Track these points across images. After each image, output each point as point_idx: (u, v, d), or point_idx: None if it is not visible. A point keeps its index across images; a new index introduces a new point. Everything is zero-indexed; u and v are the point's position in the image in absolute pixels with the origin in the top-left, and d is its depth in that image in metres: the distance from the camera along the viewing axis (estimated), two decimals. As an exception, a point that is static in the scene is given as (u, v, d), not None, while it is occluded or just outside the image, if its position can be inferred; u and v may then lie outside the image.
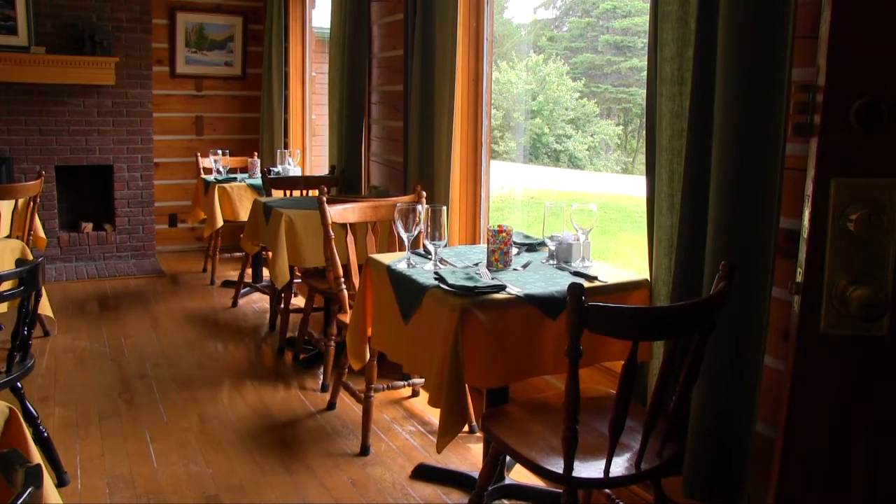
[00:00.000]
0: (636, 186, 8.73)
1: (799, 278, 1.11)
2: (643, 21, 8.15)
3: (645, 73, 2.32)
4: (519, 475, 2.67)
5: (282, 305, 4.19)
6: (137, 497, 2.59)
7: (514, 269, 2.45)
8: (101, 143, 6.09)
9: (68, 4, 5.81)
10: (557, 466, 1.82)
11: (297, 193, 4.61)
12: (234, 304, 5.03)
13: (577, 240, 2.51)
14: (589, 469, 1.84)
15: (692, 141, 2.05)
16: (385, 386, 3.14)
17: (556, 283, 2.30)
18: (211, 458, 2.88)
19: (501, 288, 2.19)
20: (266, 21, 6.27)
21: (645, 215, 2.36)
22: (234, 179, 5.21)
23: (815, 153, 1.08)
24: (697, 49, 2.01)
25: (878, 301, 1.06)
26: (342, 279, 3.02)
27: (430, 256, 2.47)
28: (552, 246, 2.53)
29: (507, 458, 2.49)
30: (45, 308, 3.47)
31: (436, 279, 2.24)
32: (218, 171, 5.40)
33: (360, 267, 2.87)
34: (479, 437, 3.01)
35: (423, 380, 3.09)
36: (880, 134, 1.05)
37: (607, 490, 2.32)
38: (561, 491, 1.88)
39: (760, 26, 1.83)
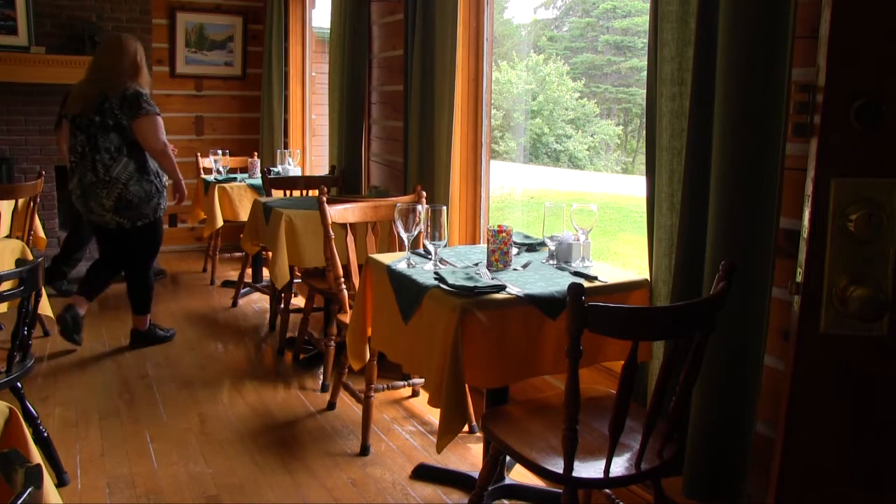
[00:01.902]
0: (636, 186, 8.74)
1: (799, 278, 1.11)
2: (643, 21, 8.15)
3: (645, 73, 2.32)
4: (519, 475, 2.67)
5: (282, 305, 4.19)
6: (137, 497, 2.59)
7: (514, 269, 2.45)
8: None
9: (68, 4, 5.81)
10: (557, 466, 1.82)
11: (297, 193, 4.61)
12: (234, 304, 5.03)
13: (577, 240, 2.51)
14: (589, 469, 1.84)
15: (692, 141, 2.05)
16: (385, 386, 3.14)
17: (556, 283, 2.30)
18: (211, 458, 2.88)
19: (501, 288, 2.19)
20: (266, 21, 6.27)
21: (645, 215, 2.36)
22: (234, 179, 5.21)
23: (815, 153, 1.08)
24: (697, 49, 2.01)
25: (878, 301, 1.06)
26: (342, 279, 3.02)
27: (430, 256, 2.47)
28: (552, 246, 2.53)
29: (507, 458, 2.49)
30: (45, 308, 3.47)
31: (436, 279, 2.24)
32: (218, 171, 5.40)
33: (360, 267, 2.88)
34: (479, 437, 3.01)
35: (423, 380, 3.09)
36: (880, 134, 1.05)
37: (607, 490, 2.32)
38: (561, 491, 1.88)
39: (760, 26, 1.83)
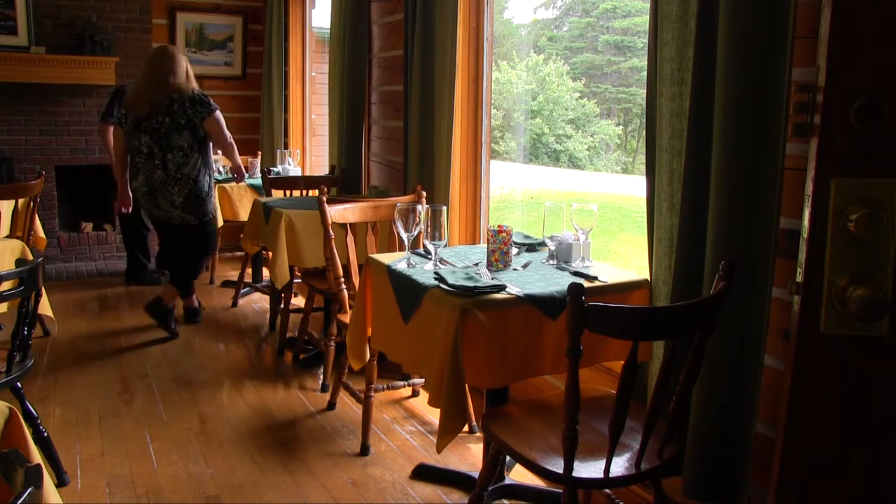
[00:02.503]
0: (636, 186, 8.74)
1: (799, 278, 1.11)
2: (643, 21, 8.16)
3: (645, 73, 2.32)
4: (519, 475, 2.67)
5: (282, 305, 4.19)
6: (137, 497, 2.59)
7: (514, 269, 2.45)
8: (102, 143, 6.08)
9: (68, 4, 5.81)
10: (557, 466, 1.82)
11: (297, 193, 4.61)
12: (234, 304, 5.03)
13: (577, 240, 2.51)
14: (589, 469, 1.84)
15: (692, 141, 2.05)
16: (385, 386, 3.14)
17: (556, 283, 2.30)
18: (211, 458, 2.88)
19: (501, 288, 2.19)
20: (266, 21, 6.27)
21: (645, 215, 2.36)
22: (235, 179, 5.21)
23: (815, 153, 1.08)
24: (697, 49, 2.01)
25: (878, 301, 1.06)
26: (342, 279, 3.02)
27: (430, 256, 2.47)
28: (552, 246, 2.53)
29: (507, 458, 2.49)
30: (45, 308, 3.47)
31: (436, 279, 2.24)
32: (218, 171, 5.39)
33: (360, 267, 2.88)
34: (479, 437, 3.01)
35: (423, 380, 3.09)
36: (880, 134, 1.05)
37: (607, 490, 2.32)
38: (561, 491, 1.88)
39: (760, 26, 1.83)
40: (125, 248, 5.69)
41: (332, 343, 3.51)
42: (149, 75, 4.16)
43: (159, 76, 4.10)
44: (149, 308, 4.34)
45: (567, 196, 9.17)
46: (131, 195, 4.40)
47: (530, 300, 2.17)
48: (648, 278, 2.38)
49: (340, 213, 3.04)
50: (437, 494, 2.64)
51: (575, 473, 1.79)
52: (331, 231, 3.00)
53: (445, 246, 2.48)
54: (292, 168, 5.16)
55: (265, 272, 5.18)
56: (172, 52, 4.21)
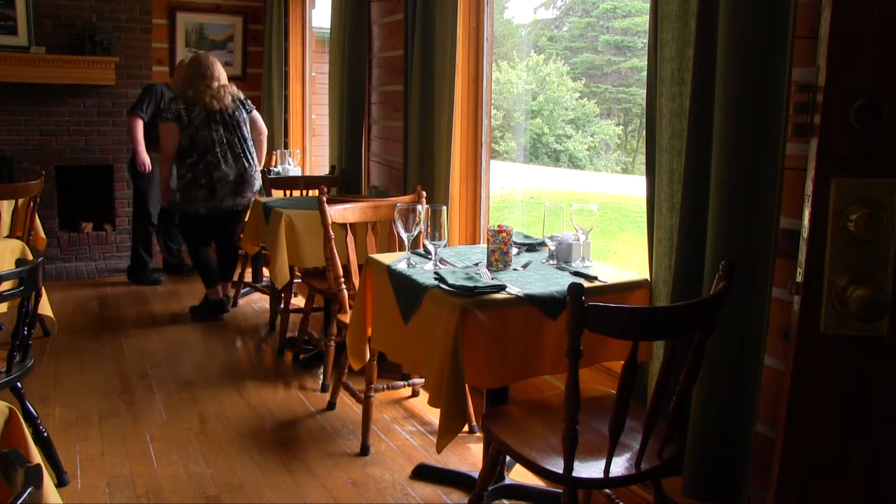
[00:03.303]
0: (636, 186, 8.74)
1: (799, 278, 1.11)
2: (643, 21, 8.15)
3: (645, 73, 2.32)
4: (519, 475, 2.67)
5: (282, 305, 4.20)
6: (137, 497, 2.59)
7: (514, 269, 2.45)
8: (101, 143, 6.08)
9: (68, 4, 5.81)
10: (557, 466, 1.82)
11: (297, 193, 4.61)
12: (234, 304, 5.03)
13: (577, 240, 2.51)
14: (589, 469, 1.84)
15: (692, 141, 2.05)
16: (385, 386, 3.14)
17: (556, 283, 2.29)
18: (211, 458, 2.88)
19: (501, 288, 2.19)
20: (266, 21, 6.27)
21: (645, 215, 2.36)
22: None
23: (815, 153, 1.07)
24: (697, 49, 2.01)
25: (878, 301, 1.06)
26: (342, 279, 3.02)
27: (430, 256, 2.47)
28: (552, 246, 2.53)
29: (507, 458, 2.49)
30: (45, 308, 3.47)
31: (436, 279, 2.24)
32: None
33: (360, 267, 2.88)
34: (479, 437, 3.01)
35: (423, 380, 3.09)
36: (880, 134, 1.05)
37: (607, 490, 2.32)
38: (561, 491, 1.88)
39: (760, 26, 1.83)
40: (132, 244, 5.69)
41: (332, 343, 3.51)
42: (204, 75, 4.45)
43: (214, 80, 4.45)
44: (198, 312, 4.73)
45: (567, 196, 9.17)
46: (170, 189, 4.64)
47: (530, 300, 2.17)
48: (648, 278, 2.38)
49: (340, 213, 3.04)
50: (437, 494, 2.64)
51: (575, 473, 1.79)
52: (331, 231, 3.00)
53: (445, 246, 2.48)
54: (292, 168, 5.16)
55: (265, 272, 5.19)
56: (214, 57, 4.59)
